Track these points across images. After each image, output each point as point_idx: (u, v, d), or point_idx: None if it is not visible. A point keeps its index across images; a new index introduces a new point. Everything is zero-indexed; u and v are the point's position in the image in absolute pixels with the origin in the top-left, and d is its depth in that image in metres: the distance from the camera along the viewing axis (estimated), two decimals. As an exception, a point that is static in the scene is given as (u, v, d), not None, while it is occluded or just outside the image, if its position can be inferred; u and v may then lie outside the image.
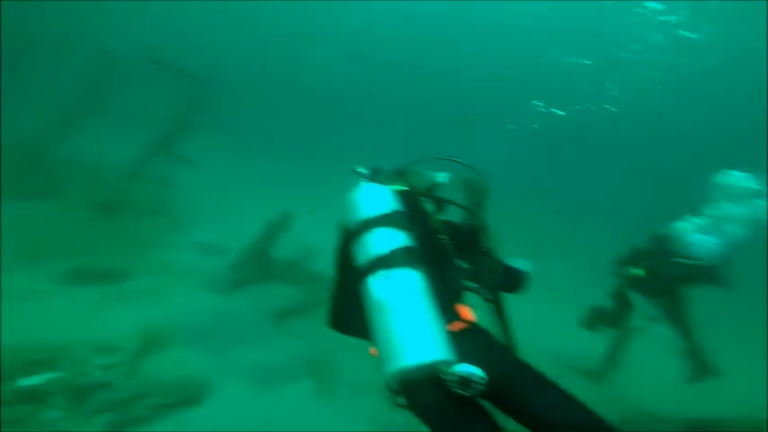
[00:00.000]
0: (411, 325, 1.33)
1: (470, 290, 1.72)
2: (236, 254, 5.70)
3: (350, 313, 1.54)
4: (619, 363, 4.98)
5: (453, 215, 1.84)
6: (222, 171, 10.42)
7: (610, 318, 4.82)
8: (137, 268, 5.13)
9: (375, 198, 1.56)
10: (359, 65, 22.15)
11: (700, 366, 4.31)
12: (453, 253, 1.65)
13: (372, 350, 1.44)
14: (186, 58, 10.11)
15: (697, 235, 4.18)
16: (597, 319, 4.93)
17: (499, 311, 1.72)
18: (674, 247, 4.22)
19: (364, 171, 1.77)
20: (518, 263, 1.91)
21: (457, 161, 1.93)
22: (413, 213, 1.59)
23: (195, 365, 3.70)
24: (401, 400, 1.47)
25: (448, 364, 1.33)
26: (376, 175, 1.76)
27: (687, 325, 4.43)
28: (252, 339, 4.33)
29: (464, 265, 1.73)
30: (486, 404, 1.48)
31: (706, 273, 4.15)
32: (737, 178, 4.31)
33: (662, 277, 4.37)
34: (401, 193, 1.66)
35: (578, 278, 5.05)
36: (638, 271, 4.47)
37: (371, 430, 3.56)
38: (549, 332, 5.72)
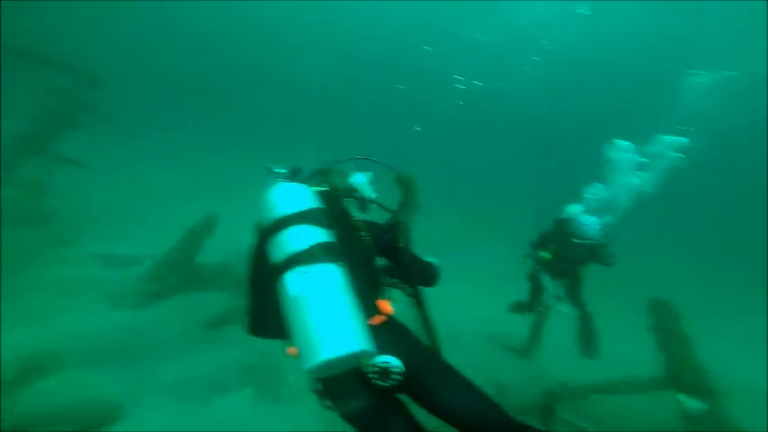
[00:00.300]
0: (330, 318, 1.33)
1: (392, 285, 1.77)
2: (150, 264, 5.07)
3: (268, 315, 1.50)
4: (540, 340, 5.35)
5: (377, 214, 1.87)
6: (120, 174, 9.19)
7: (527, 300, 5.17)
8: (18, 286, 4.43)
9: (292, 196, 1.55)
10: (271, 57, 21.46)
11: (589, 342, 4.71)
12: (373, 250, 1.68)
13: (291, 350, 1.42)
14: (76, 53, 8.82)
15: (585, 216, 4.47)
16: (520, 303, 5.32)
17: (419, 305, 1.78)
18: (571, 229, 4.50)
19: (281, 170, 1.76)
20: (430, 258, 2.00)
21: (376, 161, 1.96)
22: (333, 212, 1.60)
23: (101, 387, 3.40)
24: (328, 402, 1.49)
25: (368, 354, 1.36)
26: (294, 175, 1.75)
27: (583, 302, 4.82)
28: (176, 353, 4.10)
29: (385, 262, 1.79)
30: (402, 398, 1.55)
31: (594, 252, 4.47)
32: (623, 149, 4.72)
33: (564, 259, 4.66)
34: (321, 193, 1.66)
35: (508, 261, 5.36)
36: (544, 254, 4.76)
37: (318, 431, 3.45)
38: (484, 315, 6.09)
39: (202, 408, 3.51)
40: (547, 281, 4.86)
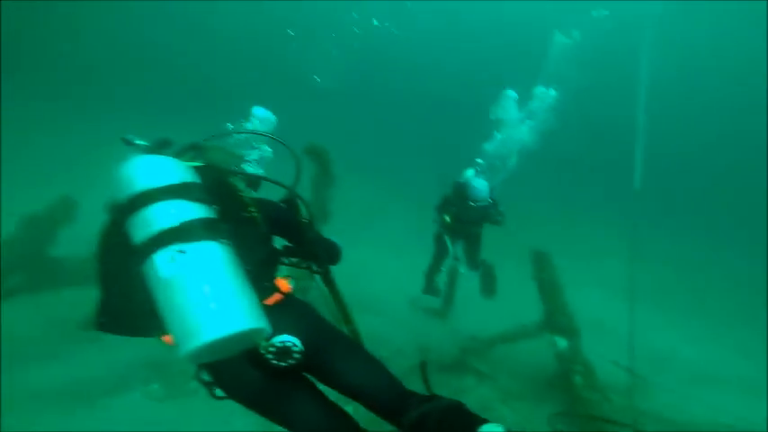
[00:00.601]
0: (213, 297, 1.19)
1: (294, 265, 1.75)
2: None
3: (125, 308, 1.34)
4: (453, 300, 5.98)
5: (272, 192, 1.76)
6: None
7: (434, 263, 5.54)
8: None
9: (157, 169, 1.35)
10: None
11: (490, 284, 5.38)
12: (265, 227, 1.58)
13: (166, 338, 1.28)
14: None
15: (476, 179, 4.86)
16: (430, 284, 5.66)
17: (328, 282, 1.78)
18: (465, 192, 4.87)
19: (142, 142, 1.54)
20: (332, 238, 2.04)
21: (266, 135, 1.87)
22: (213, 188, 1.45)
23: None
24: (219, 391, 1.43)
25: (262, 334, 1.26)
26: (160, 148, 1.54)
27: (480, 262, 5.38)
28: (50, 356, 3.70)
29: (286, 240, 1.74)
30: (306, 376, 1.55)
31: (487, 213, 4.96)
32: (510, 100, 5.26)
33: (463, 221, 5.04)
34: (197, 168, 1.50)
35: (421, 227, 5.80)
36: (446, 216, 5.08)
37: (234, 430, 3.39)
38: (404, 280, 6.36)
39: (98, 410, 3.32)
40: (448, 243, 5.29)
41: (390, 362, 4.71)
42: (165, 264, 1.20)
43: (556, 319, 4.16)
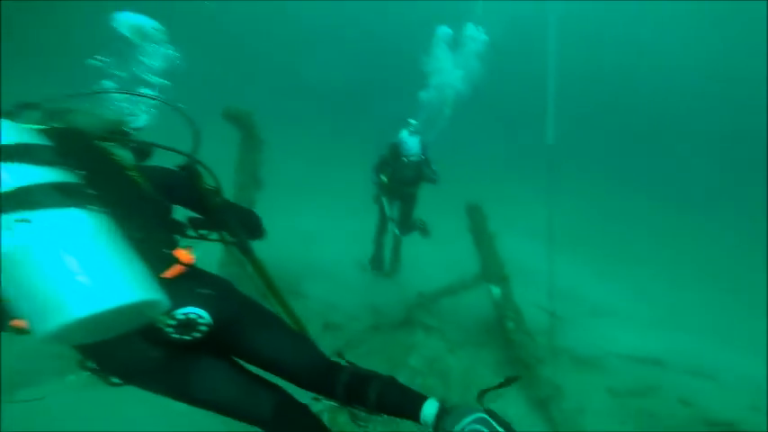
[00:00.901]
0: (84, 268, 1.02)
1: (204, 237, 1.64)
2: None
3: None
4: (400, 259, 6.16)
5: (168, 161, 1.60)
6: None
7: (379, 225, 5.68)
8: None
9: None
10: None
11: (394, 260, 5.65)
12: (155, 193, 1.45)
13: (17, 322, 1.10)
14: None
15: (409, 137, 5.02)
16: (378, 242, 5.81)
17: (246, 252, 1.68)
18: (399, 150, 5.03)
19: None
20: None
21: (150, 97, 1.70)
22: (76, 151, 1.28)
23: None
24: (114, 378, 1.32)
25: (154, 307, 1.13)
26: (12, 113, 1.32)
27: (411, 224, 5.58)
28: None
29: (191, 210, 1.64)
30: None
31: (421, 172, 5.12)
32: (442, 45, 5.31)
33: (399, 180, 5.18)
34: (49, 131, 1.30)
35: (365, 189, 5.78)
36: (383, 177, 5.20)
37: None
38: (351, 244, 6.45)
39: (14, 406, 3.04)
40: (385, 204, 5.43)
41: (344, 327, 4.86)
42: (8, 235, 1.01)
43: (490, 268, 4.52)
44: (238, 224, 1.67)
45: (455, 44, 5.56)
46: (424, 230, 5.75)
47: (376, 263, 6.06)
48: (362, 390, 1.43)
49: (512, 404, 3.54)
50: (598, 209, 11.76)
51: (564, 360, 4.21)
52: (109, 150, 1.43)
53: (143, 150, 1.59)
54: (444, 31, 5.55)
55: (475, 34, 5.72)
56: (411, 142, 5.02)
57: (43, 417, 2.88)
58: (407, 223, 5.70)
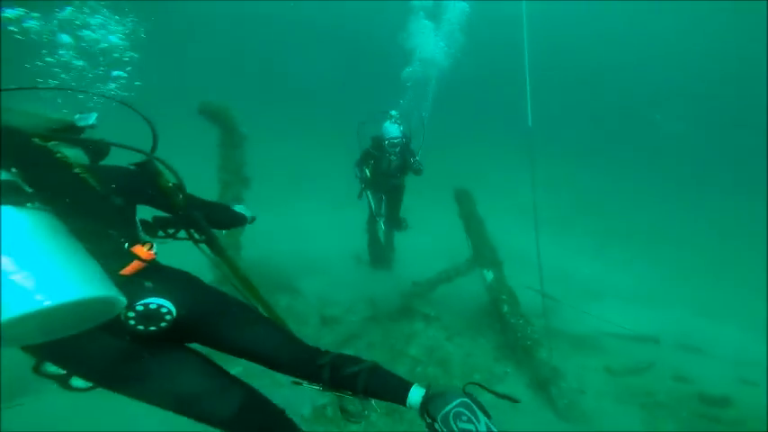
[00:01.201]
0: (21, 267, 0.98)
1: (172, 236, 1.63)
2: None
3: None
4: (394, 251, 6.08)
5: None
6: None
7: (370, 221, 5.50)
8: None
9: None
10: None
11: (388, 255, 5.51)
12: (108, 192, 1.40)
13: None
14: None
15: (390, 125, 4.89)
16: (373, 245, 5.65)
17: (216, 250, 1.66)
18: (383, 136, 4.88)
19: None
20: (240, 209, 1.93)
21: (78, 90, 1.65)
22: (13, 150, 1.23)
23: None
24: (75, 380, 1.29)
25: (108, 302, 1.10)
26: None
27: (400, 219, 5.45)
28: None
29: (157, 210, 1.61)
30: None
31: (404, 163, 4.95)
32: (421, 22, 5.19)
33: (383, 173, 5.02)
34: None
35: (353, 183, 5.62)
36: (366, 171, 5.02)
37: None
38: (346, 238, 6.30)
39: (18, 411, 2.95)
40: (370, 199, 5.25)
41: (341, 320, 4.75)
42: None
43: (481, 253, 4.46)
44: (204, 220, 1.63)
45: (434, 17, 5.44)
46: (404, 226, 5.64)
47: (377, 260, 5.92)
48: (348, 373, 1.43)
49: (511, 387, 3.54)
50: (583, 190, 11.88)
51: (561, 342, 4.21)
52: (50, 148, 1.35)
53: (97, 149, 1.52)
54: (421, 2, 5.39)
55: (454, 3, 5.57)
56: (392, 128, 4.92)
57: (46, 420, 2.77)
58: (396, 217, 5.52)
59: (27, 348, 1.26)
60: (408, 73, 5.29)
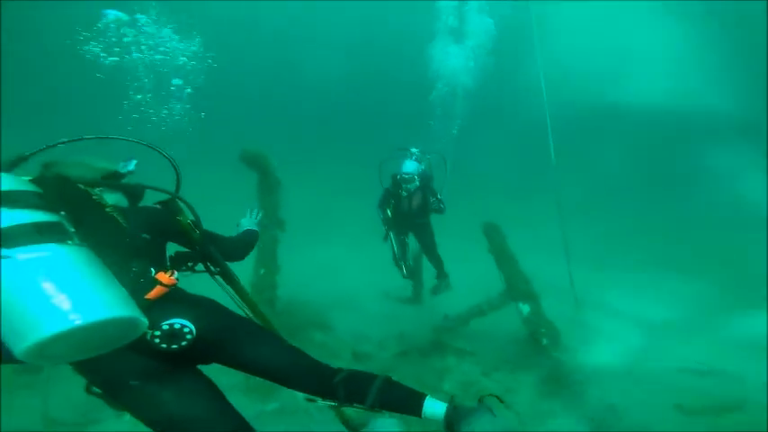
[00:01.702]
0: (60, 291, 1.10)
1: (191, 269, 1.74)
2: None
3: None
4: (422, 286, 5.97)
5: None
6: None
7: (399, 255, 5.21)
8: None
9: None
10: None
11: (442, 282, 5.31)
12: (135, 229, 1.55)
13: None
14: None
15: (408, 162, 4.79)
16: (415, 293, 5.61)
17: (230, 281, 1.78)
18: (397, 177, 4.76)
19: None
20: (246, 220, 2.12)
21: (125, 139, 1.77)
22: (60, 196, 1.39)
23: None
24: (97, 389, 1.39)
25: (133, 323, 1.20)
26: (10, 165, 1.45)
27: (435, 251, 5.23)
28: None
29: (179, 245, 1.73)
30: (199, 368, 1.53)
31: (425, 202, 4.76)
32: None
33: (404, 212, 4.83)
34: (38, 180, 1.42)
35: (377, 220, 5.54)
36: (387, 211, 4.89)
37: None
38: (374, 274, 6.27)
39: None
40: (393, 241, 5.03)
41: (373, 356, 4.61)
42: None
43: (516, 286, 4.29)
44: (218, 253, 1.75)
45: (459, 36, 5.44)
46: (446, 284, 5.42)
47: (408, 274, 5.72)
48: (362, 388, 1.49)
49: (563, 426, 3.19)
50: (611, 221, 11.41)
51: (614, 377, 3.78)
52: (90, 193, 1.55)
53: (133, 192, 1.71)
54: (447, 22, 5.42)
55: (481, 24, 5.54)
56: (408, 165, 4.77)
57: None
58: (434, 257, 5.25)
59: (75, 368, 1.38)
60: (435, 97, 5.29)
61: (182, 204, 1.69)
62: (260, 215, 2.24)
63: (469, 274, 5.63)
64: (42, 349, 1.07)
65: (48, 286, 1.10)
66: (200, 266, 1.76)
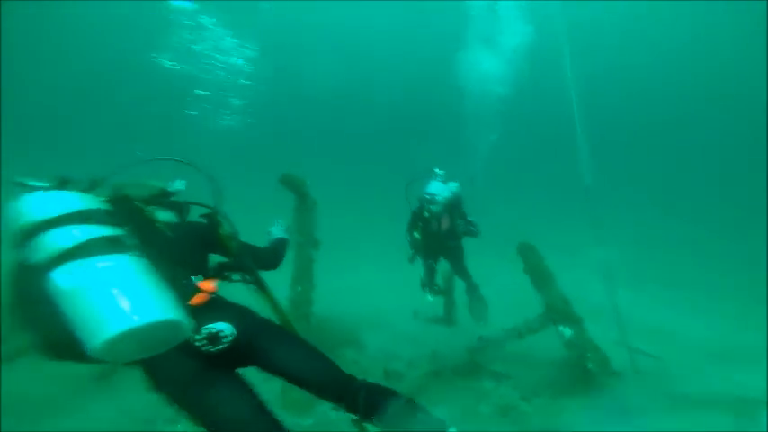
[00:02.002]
0: (124, 295, 1.25)
1: (227, 278, 1.82)
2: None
3: (52, 332, 1.31)
4: (455, 306, 5.74)
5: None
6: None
7: (426, 280, 5.04)
8: None
9: (50, 202, 1.41)
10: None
11: (480, 309, 5.08)
12: (184, 240, 1.73)
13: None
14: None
15: (433, 183, 4.54)
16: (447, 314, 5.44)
17: (262, 289, 1.87)
18: (424, 200, 4.55)
19: (39, 183, 1.54)
20: (275, 229, 2.24)
21: (175, 160, 1.94)
22: (123, 213, 1.57)
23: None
24: (151, 381, 1.50)
25: (181, 326, 1.34)
26: (63, 185, 1.56)
27: (467, 273, 5.05)
28: (70, 409, 3.39)
29: (220, 255, 1.85)
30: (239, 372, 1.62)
31: (454, 225, 4.54)
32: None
33: (433, 234, 4.61)
34: (109, 200, 1.63)
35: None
36: (416, 234, 4.69)
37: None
38: (404, 294, 6.03)
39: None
40: (421, 263, 4.83)
41: (404, 375, 4.47)
42: (63, 278, 1.27)
43: (556, 308, 4.06)
44: (253, 264, 1.87)
45: (491, 43, 5.21)
46: (479, 307, 5.20)
47: (447, 316, 5.57)
48: (381, 402, 1.55)
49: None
50: (651, 239, 10.65)
51: (675, 404, 3.38)
52: (145, 210, 1.75)
53: (180, 208, 1.92)
54: (478, 28, 5.23)
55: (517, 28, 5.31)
56: (431, 186, 4.53)
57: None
58: (464, 275, 5.08)
59: (140, 369, 1.52)
60: (468, 107, 5.13)
61: (221, 218, 1.85)
62: (287, 223, 2.38)
63: (504, 295, 5.42)
64: (110, 346, 1.21)
65: (115, 292, 1.26)
66: (236, 276, 1.87)
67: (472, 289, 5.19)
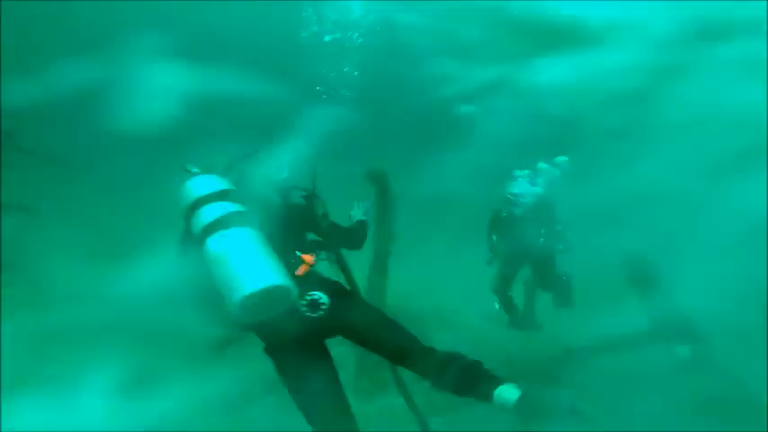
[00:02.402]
0: (253, 263, 1.55)
1: (317, 256, 1.96)
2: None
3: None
4: (534, 309, 5.31)
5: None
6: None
7: (498, 287, 4.77)
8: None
9: (204, 184, 1.77)
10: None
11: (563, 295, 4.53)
12: (291, 220, 1.93)
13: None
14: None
15: (515, 184, 4.21)
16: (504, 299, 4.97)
17: (343, 268, 2.04)
18: (505, 203, 4.21)
19: (196, 169, 1.89)
20: (355, 212, 2.39)
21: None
22: (249, 193, 1.85)
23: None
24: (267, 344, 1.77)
25: (289, 291, 1.58)
26: (210, 170, 1.90)
27: (553, 280, 4.50)
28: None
29: (315, 234, 2.03)
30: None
31: (536, 232, 4.10)
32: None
33: (514, 239, 4.27)
34: (240, 181, 1.93)
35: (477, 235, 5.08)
36: (494, 237, 4.42)
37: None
38: (478, 295, 5.70)
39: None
40: (498, 270, 4.52)
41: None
42: (213, 245, 1.59)
43: (668, 322, 3.35)
44: (338, 243, 2.04)
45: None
46: (565, 292, 4.59)
47: (516, 324, 5.12)
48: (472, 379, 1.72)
49: None
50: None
51: None
52: (263, 190, 1.99)
53: (288, 192, 2.13)
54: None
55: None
56: (515, 186, 4.21)
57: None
58: (550, 282, 4.58)
59: (256, 332, 1.81)
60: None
61: (316, 200, 2.06)
62: (365, 206, 2.51)
63: (607, 303, 4.67)
64: (247, 300, 1.49)
65: (246, 258, 1.56)
66: (323, 254, 2.02)
67: (564, 278, 4.58)
